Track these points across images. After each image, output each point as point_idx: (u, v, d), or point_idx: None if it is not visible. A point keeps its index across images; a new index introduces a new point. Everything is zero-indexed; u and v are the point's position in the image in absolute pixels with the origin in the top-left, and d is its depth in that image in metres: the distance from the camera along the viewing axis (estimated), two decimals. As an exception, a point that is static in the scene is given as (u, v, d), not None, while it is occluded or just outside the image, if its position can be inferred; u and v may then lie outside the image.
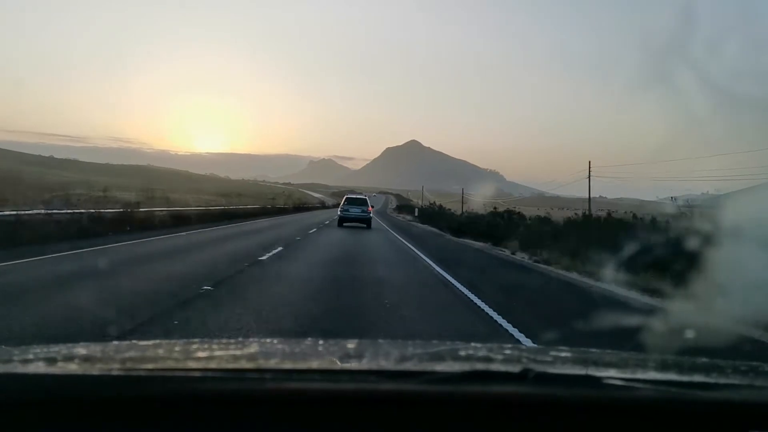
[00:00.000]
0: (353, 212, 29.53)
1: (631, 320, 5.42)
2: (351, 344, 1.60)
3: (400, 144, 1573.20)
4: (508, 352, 1.60)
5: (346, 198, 31.32)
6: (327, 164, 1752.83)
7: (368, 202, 31.09)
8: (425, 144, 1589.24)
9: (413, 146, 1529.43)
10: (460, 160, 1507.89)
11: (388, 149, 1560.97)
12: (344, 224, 28.98)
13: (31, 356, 1.33)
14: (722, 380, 1.28)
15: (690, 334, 3.05)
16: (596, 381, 1.15)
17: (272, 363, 1.38)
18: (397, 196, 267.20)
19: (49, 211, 15.65)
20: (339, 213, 30.08)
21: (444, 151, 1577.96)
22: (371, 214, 30.80)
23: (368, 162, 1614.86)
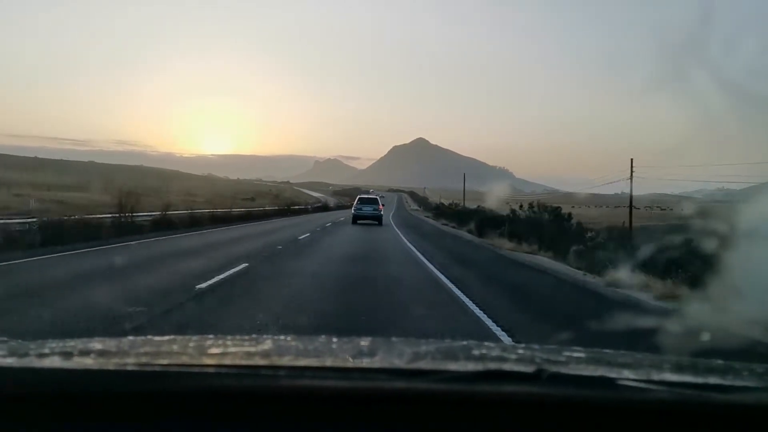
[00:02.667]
0: (366, 210, 32.34)
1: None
2: (364, 342, 1.60)
3: (407, 142, 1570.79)
4: (521, 351, 1.59)
5: (359, 198, 34.93)
6: (333, 164, 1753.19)
7: (379, 201, 34.07)
8: (433, 142, 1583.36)
9: (420, 144, 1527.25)
10: (468, 157, 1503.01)
11: (395, 147, 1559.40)
12: (358, 221, 31.55)
13: (47, 351, 1.34)
14: (738, 382, 1.27)
15: (705, 336, 2.99)
16: (610, 382, 1.14)
17: (286, 360, 1.39)
18: (411, 193, 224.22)
19: None
20: (353, 211, 33.02)
21: (452, 149, 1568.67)
22: (382, 212, 33.46)
23: (375, 161, 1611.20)
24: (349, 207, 56.24)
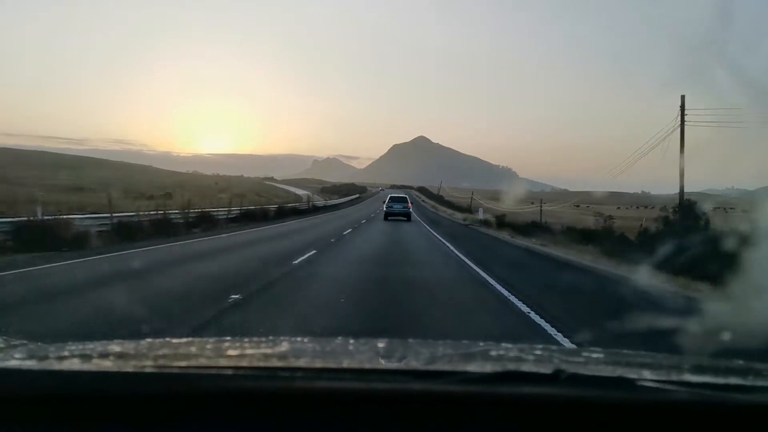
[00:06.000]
0: (396, 208, 36.38)
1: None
2: (381, 343, 1.60)
3: (408, 140, 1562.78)
4: (539, 352, 1.59)
5: (390, 197, 39.08)
6: (331, 163, 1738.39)
7: (408, 199, 38.97)
8: (434, 140, 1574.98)
9: (421, 142, 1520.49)
10: (470, 156, 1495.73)
11: (395, 146, 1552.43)
12: (389, 218, 35.01)
13: (66, 353, 1.35)
14: (758, 383, 1.27)
15: (726, 335, 2.92)
16: (629, 383, 1.13)
17: (303, 362, 1.39)
18: (421, 189, 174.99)
19: None
20: (384, 209, 37.20)
21: (453, 148, 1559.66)
22: (411, 209, 37.74)
23: (374, 160, 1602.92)
24: (338, 208, 57.43)
